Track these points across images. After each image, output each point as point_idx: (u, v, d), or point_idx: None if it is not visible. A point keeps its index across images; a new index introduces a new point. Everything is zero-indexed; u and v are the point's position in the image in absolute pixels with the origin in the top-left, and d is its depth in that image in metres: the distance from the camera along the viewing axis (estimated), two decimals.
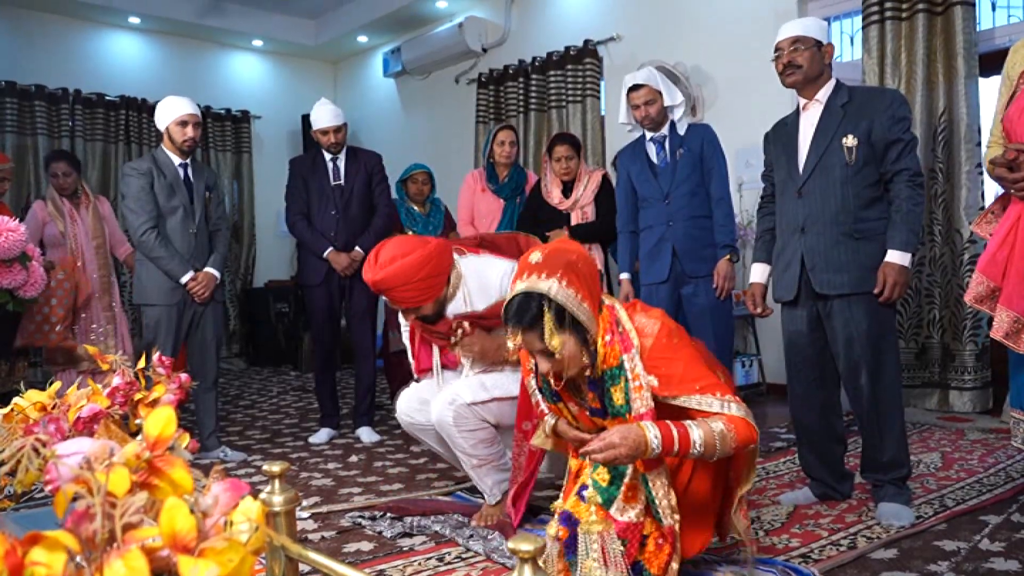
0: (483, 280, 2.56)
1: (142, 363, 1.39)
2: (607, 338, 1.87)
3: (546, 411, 2.08)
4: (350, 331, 4.29)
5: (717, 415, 1.80)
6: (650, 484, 1.88)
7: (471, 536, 2.42)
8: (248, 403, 5.45)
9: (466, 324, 2.52)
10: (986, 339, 3.96)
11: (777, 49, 2.67)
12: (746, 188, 4.80)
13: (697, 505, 2.02)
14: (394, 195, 4.63)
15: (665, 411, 1.88)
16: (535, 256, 1.86)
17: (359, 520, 2.66)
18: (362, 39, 7.56)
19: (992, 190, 3.99)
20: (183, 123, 3.62)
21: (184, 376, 1.41)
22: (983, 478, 2.91)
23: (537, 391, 2.08)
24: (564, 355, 1.83)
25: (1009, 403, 2.43)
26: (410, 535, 2.51)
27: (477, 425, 2.53)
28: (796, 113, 2.75)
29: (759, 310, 2.79)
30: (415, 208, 4.64)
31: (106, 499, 0.64)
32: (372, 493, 3.07)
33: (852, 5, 4.50)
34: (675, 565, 1.88)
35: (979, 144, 3.93)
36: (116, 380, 1.31)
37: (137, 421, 1.30)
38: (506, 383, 2.56)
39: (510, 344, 2.06)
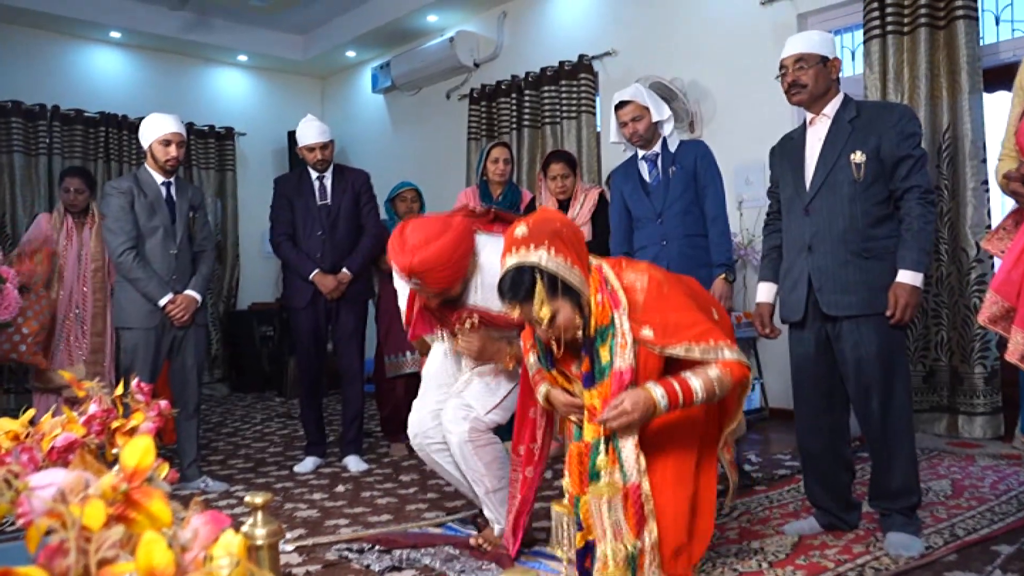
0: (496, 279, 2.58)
1: (120, 389, 1.38)
2: (599, 298, 2.00)
3: (540, 380, 2.20)
4: (337, 355, 4.27)
5: (713, 361, 1.97)
6: (619, 442, 1.99)
7: (463, 570, 2.40)
8: (231, 430, 5.42)
9: (476, 318, 2.52)
10: (995, 362, 3.97)
11: (782, 66, 2.67)
12: (746, 206, 4.83)
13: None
14: (383, 215, 4.63)
15: (655, 359, 2.03)
16: (520, 229, 1.99)
17: (346, 553, 2.64)
18: (350, 54, 7.61)
19: (998, 208, 4.02)
20: (166, 142, 3.63)
21: (163, 403, 1.41)
22: (995, 506, 2.90)
23: (536, 362, 2.21)
24: (560, 321, 1.97)
25: (1020, 428, 2.43)
26: (399, 569, 2.49)
27: (489, 440, 2.56)
28: (803, 128, 2.76)
29: (767, 331, 2.79)
30: None
31: (81, 533, 0.64)
32: (360, 525, 3.04)
33: (853, 19, 4.55)
34: (653, 524, 1.98)
35: (984, 161, 3.96)
36: (93, 407, 1.30)
37: (114, 450, 1.29)
38: (508, 376, 2.60)
39: (508, 348, 2.28)
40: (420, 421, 2.71)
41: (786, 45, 2.68)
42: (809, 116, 2.71)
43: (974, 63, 3.97)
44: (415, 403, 2.77)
